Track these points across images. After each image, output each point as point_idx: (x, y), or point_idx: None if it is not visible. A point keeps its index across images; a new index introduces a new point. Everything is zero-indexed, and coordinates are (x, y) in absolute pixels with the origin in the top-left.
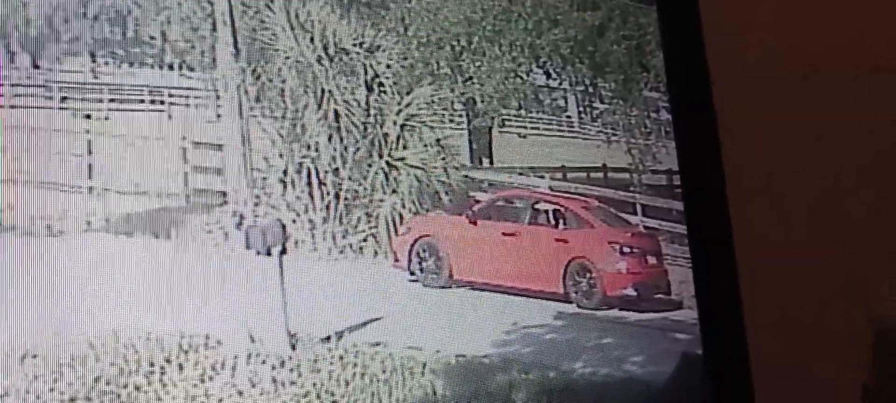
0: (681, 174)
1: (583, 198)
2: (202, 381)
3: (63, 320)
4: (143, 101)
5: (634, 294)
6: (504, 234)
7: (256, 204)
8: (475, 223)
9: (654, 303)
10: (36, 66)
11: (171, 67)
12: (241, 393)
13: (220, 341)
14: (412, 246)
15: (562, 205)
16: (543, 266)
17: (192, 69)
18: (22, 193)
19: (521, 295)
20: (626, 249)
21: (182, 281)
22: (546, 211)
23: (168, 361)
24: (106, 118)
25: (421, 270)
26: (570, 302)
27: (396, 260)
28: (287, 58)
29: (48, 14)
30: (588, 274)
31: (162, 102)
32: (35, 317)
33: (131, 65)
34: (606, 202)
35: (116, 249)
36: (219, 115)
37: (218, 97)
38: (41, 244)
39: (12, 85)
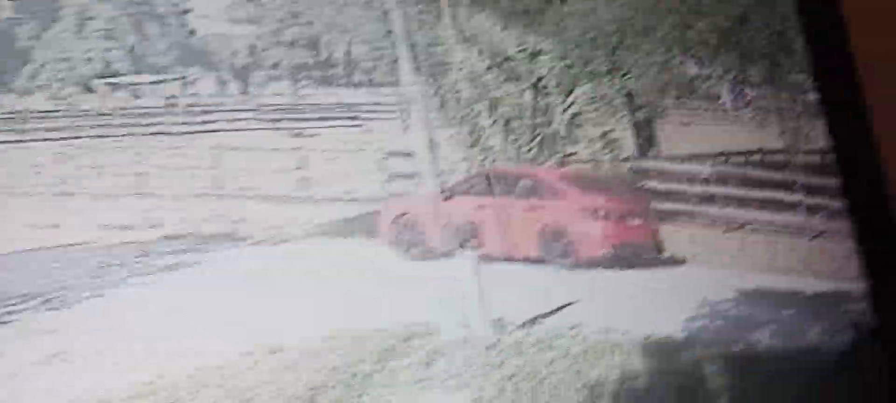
0: (835, 152)
1: (559, 170)
2: (424, 366)
3: (300, 317)
4: (341, 118)
5: (612, 254)
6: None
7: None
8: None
9: (642, 262)
10: (245, 92)
11: (360, 85)
12: (457, 376)
13: (437, 329)
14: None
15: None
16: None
17: (378, 85)
18: (250, 207)
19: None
20: (601, 213)
21: (396, 276)
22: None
23: (393, 349)
24: (313, 136)
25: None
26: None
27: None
28: (460, 69)
29: (252, 44)
30: (562, 239)
31: (357, 117)
32: (277, 316)
33: (328, 85)
34: (760, 183)
35: (336, 250)
36: (407, 126)
37: (404, 110)
38: (271, 251)
39: (229, 111)
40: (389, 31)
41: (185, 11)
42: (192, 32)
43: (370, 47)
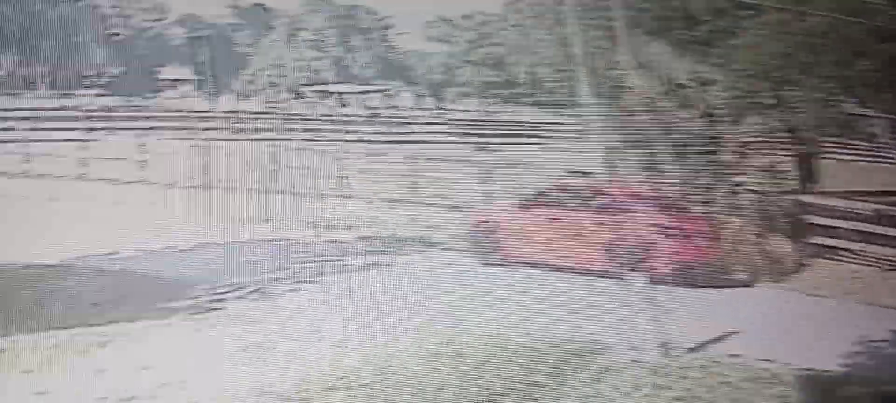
0: None
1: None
2: (593, 383)
3: (481, 325)
4: (524, 135)
5: (680, 271)
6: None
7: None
8: None
9: (711, 281)
10: (439, 107)
11: (543, 105)
12: (626, 395)
13: (608, 347)
14: None
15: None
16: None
17: (560, 106)
18: (440, 215)
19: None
20: (671, 232)
21: (572, 295)
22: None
23: (566, 363)
24: (497, 151)
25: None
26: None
27: None
28: (636, 94)
29: (445, 62)
30: (629, 253)
31: (539, 136)
32: (460, 321)
33: (513, 103)
34: None
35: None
36: (586, 147)
37: (583, 131)
38: (458, 258)
39: (424, 123)
40: (570, 55)
41: (387, 27)
42: (392, 47)
43: (552, 69)
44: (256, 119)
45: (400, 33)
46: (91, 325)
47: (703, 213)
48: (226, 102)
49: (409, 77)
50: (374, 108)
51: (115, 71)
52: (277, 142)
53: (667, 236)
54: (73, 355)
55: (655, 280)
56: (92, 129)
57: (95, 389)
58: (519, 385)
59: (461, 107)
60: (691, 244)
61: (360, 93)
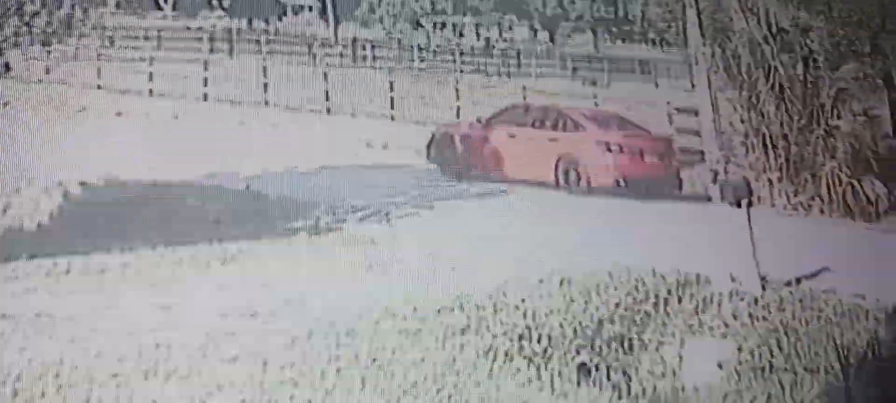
0: None
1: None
2: (696, 313)
3: (588, 252)
4: (634, 72)
5: (619, 185)
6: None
7: (727, 163)
8: None
9: (652, 193)
10: (552, 41)
11: (653, 43)
12: (725, 325)
13: (709, 279)
14: None
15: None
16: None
17: (669, 44)
18: None
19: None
20: (614, 147)
21: (674, 227)
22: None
23: (670, 293)
24: (607, 85)
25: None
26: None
27: None
28: (741, 37)
29: None
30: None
31: (649, 73)
32: (569, 249)
33: (624, 40)
34: None
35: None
36: (693, 85)
37: (691, 69)
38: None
39: (538, 57)
40: None
41: None
42: None
43: (663, 9)
44: (375, 46)
45: None
46: (213, 242)
47: (661, 134)
48: (346, 29)
49: (524, 10)
50: (490, 41)
51: None
52: (395, 70)
53: (610, 151)
54: (196, 271)
55: (594, 191)
56: (214, 50)
57: (217, 305)
58: (625, 313)
59: (574, 43)
60: (641, 161)
61: (475, 23)
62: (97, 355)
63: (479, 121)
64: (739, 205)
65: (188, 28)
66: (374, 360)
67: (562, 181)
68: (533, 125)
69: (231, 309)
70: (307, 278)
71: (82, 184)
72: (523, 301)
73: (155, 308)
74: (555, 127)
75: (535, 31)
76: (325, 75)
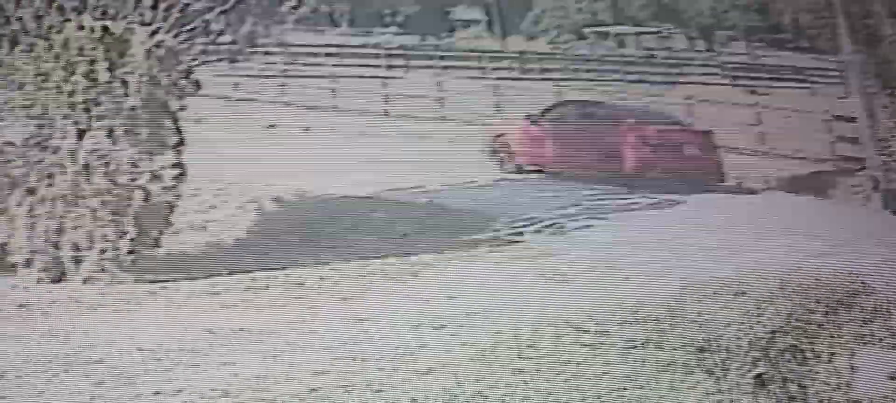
0: None
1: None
2: (865, 322)
3: (758, 261)
4: (789, 79)
5: (657, 180)
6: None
7: (886, 170)
8: None
9: (691, 185)
10: (710, 50)
11: (805, 50)
12: (894, 336)
13: (875, 288)
14: None
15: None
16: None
17: (821, 51)
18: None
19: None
20: (653, 141)
21: (839, 232)
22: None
23: (839, 303)
24: (767, 94)
25: None
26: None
27: None
28: (891, 42)
29: (712, 5)
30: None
31: (805, 80)
32: (741, 257)
33: (777, 48)
34: None
35: (790, 203)
36: (847, 93)
37: (845, 76)
38: (735, 199)
39: (697, 65)
40: (830, 2)
41: None
42: None
43: (813, 16)
44: (542, 59)
45: None
46: (402, 255)
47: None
48: (514, 42)
49: (681, 19)
50: (651, 50)
51: (410, 10)
52: (562, 82)
53: (649, 147)
54: (388, 283)
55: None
56: (391, 66)
57: (409, 316)
58: (797, 323)
59: (730, 51)
60: (680, 155)
61: (636, 34)
62: (296, 369)
63: (529, 118)
64: None
65: (365, 45)
66: (558, 373)
67: (604, 172)
68: (579, 121)
69: (422, 321)
70: (490, 290)
71: (276, 199)
72: (700, 311)
73: (350, 321)
74: (597, 123)
75: (693, 40)
76: (496, 88)
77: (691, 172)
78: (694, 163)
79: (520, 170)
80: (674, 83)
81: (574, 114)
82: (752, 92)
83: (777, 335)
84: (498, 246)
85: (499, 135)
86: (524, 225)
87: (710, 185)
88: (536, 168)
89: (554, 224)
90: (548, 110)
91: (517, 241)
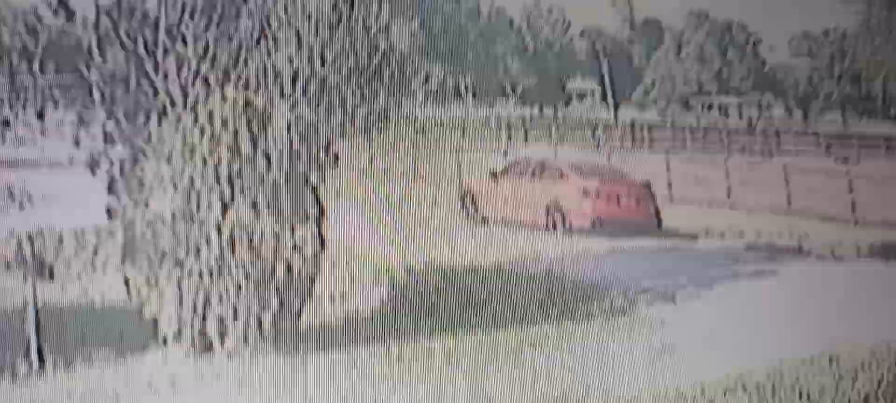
0: None
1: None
2: None
3: (852, 329)
4: (880, 148)
5: (595, 225)
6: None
7: None
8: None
9: (629, 232)
10: (805, 118)
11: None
12: None
13: None
14: None
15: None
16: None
17: None
18: (812, 225)
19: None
20: (591, 192)
21: None
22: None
23: None
24: (858, 162)
25: None
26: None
27: None
28: None
29: (809, 75)
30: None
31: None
32: (833, 325)
33: (869, 117)
34: None
35: (881, 272)
36: None
37: None
38: (830, 267)
39: (794, 134)
40: None
41: (757, 42)
42: (763, 62)
43: None
44: (651, 129)
45: (769, 47)
46: (523, 326)
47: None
48: (626, 112)
49: (779, 89)
50: (751, 120)
51: (529, 83)
52: (671, 152)
53: (589, 197)
54: (510, 354)
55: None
56: (511, 137)
57: (532, 387)
58: (886, 388)
59: (826, 120)
60: (617, 204)
61: (738, 104)
62: None
63: (492, 175)
64: None
65: (488, 116)
66: None
67: (549, 224)
68: (531, 176)
69: (544, 393)
70: (606, 361)
71: (407, 270)
72: (797, 379)
73: (476, 392)
74: (546, 178)
75: (790, 111)
76: (608, 156)
77: (628, 219)
78: (631, 212)
79: (484, 221)
80: (772, 152)
81: (528, 170)
82: (845, 160)
83: (869, 400)
84: (612, 316)
85: (467, 191)
86: (636, 295)
87: (647, 231)
88: (497, 219)
89: (664, 293)
90: (506, 169)
91: (630, 312)
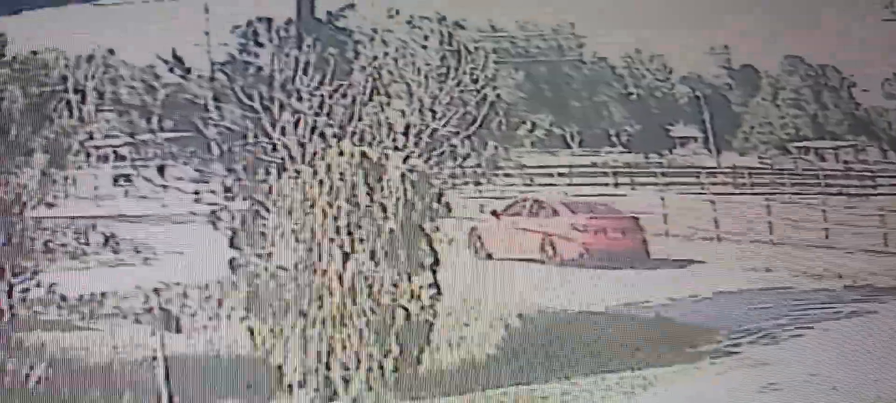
0: None
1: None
2: None
3: None
4: None
5: (583, 257)
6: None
7: None
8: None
9: (616, 261)
10: None
11: None
12: None
13: None
14: None
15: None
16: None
17: None
18: None
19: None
20: (580, 227)
21: None
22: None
23: None
24: None
25: None
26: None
27: None
28: None
29: None
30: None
31: None
32: None
33: None
34: None
35: None
36: None
37: None
38: None
39: (888, 176)
40: None
41: (852, 85)
42: (857, 105)
43: None
44: (752, 174)
45: (862, 90)
46: (635, 369)
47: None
48: (727, 158)
49: (873, 132)
50: (848, 162)
51: (633, 129)
52: (771, 196)
53: (578, 231)
54: (622, 397)
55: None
56: (617, 185)
57: None
58: None
59: None
60: (604, 236)
61: (834, 148)
62: None
63: (493, 213)
64: None
65: (594, 164)
66: None
67: (544, 256)
68: (528, 214)
69: None
70: (713, 401)
71: (520, 316)
72: None
73: None
74: (541, 215)
75: (885, 152)
76: (714, 203)
77: (615, 250)
78: (617, 243)
79: (489, 257)
80: (868, 195)
81: (525, 209)
82: None
83: None
84: (718, 357)
85: (473, 229)
86: (741, 337)
87: (635, 261)
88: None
89: (768, 334)
90: (507, 208)
91: (735, 353)
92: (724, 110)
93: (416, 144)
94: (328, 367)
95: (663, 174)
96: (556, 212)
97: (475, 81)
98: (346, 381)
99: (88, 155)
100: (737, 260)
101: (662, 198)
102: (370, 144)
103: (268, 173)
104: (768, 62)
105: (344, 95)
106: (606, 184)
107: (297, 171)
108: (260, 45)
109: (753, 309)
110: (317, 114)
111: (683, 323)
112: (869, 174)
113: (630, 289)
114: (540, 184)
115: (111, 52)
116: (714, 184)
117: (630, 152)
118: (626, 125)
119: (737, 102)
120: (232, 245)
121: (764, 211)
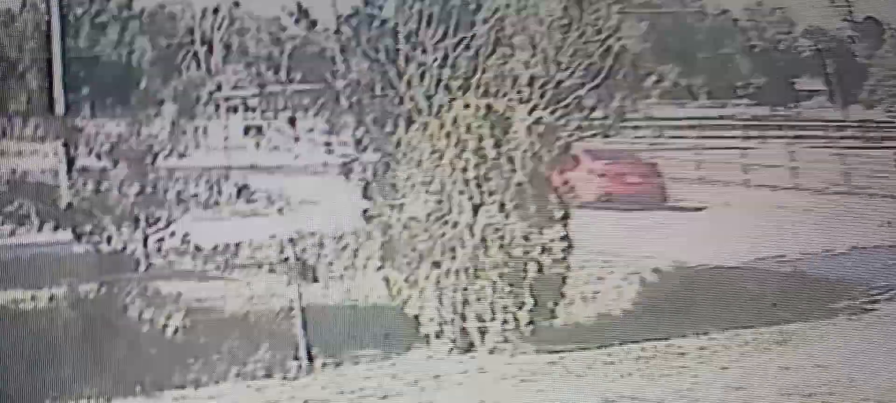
0: None
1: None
2: None
3: None
4: None
5: (604, 200)
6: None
7: None
8: None
9: (634, 205)
10: None
11: None
12: None
13: None
14: None
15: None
16: None
17: None
18: None
19: None
20: (599, 173)
21: None
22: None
23: None
24: None
25: None
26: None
27: None
28: None
29: None
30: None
31: None
32: None
33: None
34: None
35: None
36: None
37: None
38: None
39: None
40: None
41: None
42: None
43: None
44: (880, 127)
45: None
46: (770, 324)
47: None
48: (855, 112)
49: None
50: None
51: (758, 81)
52: None
53: (597, 176)
54: (759, 353)
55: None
56: (747, 138)
57: (779, 385)
58: None
59: None
60: (621, 181)
61: None
62: None
63: None
64: None
65: (722, 116)
66: None
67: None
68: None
69: (792, 390)
70: (852, 359)
71: (655, 270)
72: None
73: (728, 389)
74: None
75: None
76: (843, 157)
77: (632, 195)
78: (636, 188)
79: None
80: None
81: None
82: None
83: None
84: (855, 313)
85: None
86: (878, 293)
87: (653, 204)
88: None
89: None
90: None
91: (873, 310)
92: (850, 63)
93: (541, 96)
94: (464, 318)
95: (791, 127)
96: (578, 160)
97: (598, 32)
98: (483, 332)
99: (217, 106)
100: (870, 213)
101: (792, 152)
102: (495, 96)
103: (396, 125)
104: (891, 14)
105: (467, 47)
106: (735, 137)
107: (425, 124)
108: None
109: (890, 265)
110: (441, 67)
111: (819, 278)
112: None
113: (766, 245)
114: (669, 136)
115: (236, 4)
116: (842, 137)
117: (758, 105)
118: (752, 78)
119: (862, 55)
120: (365, 195)
121: (894, 165)
